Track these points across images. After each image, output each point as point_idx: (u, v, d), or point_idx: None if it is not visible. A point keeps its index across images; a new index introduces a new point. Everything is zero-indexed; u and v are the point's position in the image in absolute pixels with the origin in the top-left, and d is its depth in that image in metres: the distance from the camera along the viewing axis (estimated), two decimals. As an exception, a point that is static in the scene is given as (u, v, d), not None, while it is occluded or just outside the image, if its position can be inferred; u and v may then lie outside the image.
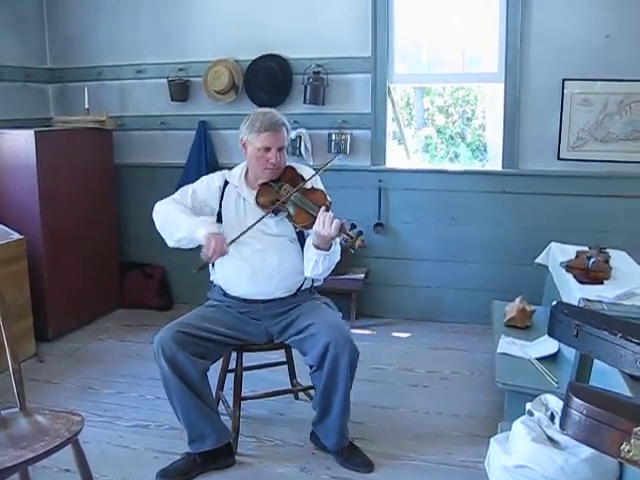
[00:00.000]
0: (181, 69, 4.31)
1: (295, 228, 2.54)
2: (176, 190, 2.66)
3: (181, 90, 4.31)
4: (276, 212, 2.53)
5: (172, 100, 4.33)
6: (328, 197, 2.51)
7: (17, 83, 4.29)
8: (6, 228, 3.55)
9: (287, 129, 2.56)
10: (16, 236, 3.52)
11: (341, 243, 2.37)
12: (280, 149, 2.53)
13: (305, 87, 4.09)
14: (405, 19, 4.11)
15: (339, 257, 2.51)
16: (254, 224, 2.47)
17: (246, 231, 2.46)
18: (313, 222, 2.35)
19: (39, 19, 4.49)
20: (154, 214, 2.58)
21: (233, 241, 2.45)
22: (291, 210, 2.50)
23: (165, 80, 4.30)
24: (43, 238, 3.74)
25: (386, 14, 3.99)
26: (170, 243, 2.53)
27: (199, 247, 2.42)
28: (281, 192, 2.52)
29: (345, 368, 2.37)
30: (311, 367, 2.47)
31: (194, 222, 2.44)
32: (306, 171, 2.66)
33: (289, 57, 4.15)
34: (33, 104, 4.45)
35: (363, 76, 4.09)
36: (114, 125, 4.34)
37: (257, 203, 2.54)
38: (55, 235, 3.83)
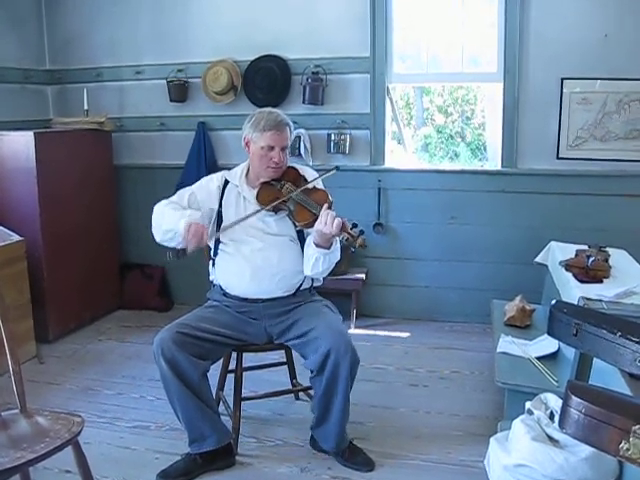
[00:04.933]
0: (180, 70, 4.31)
1: (296, 227, 2.54)
2: (175, 191, 2.67)
3: (180, 91, 4.31)
4: (277, 210, 2.53)
5: (171, 101, 4.33)
6: (330, 196, 2.51)
7: (16, 85, 4.29)
8: (6, 230, 3.55)
9: (290, 129, 2.57)
10: (16, 237, 3.52)
11: (342, 242, 2.36)
12: (283, 148, 2.54)
13: (304, 87, 4.09)
14: (404, 19, 4.11)
15: (339, 256, 2.51)
16: (248, 216, 2.49)
17: (239, 221, 2.48)
18: (314, 220, 2.36)
19: (38, 20, 4.49)
20: (152, 215, 2.59)
21: (224, 229, 2.49)
22: (292, 208, 2.50)
23: (164, 81, 4.30)
24: (43, 239, 3.74)
25: (385, 14, 3.99)
26: (158, 237, 2.53)
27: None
28: (283, 190, 2.53)
29: (345, 375, 2.37)
30: (311, 371, 2.47)
31: (179, 214, 2.46)
32: (308, 172, 2.67)
33: (288, 57, 4.15)
34: (32, 105, 4.45)
35: (362, 76, 4.08)
36: (113, 126, 4.35)
37: (258, 201, 2.53)
38: (55, 236, 3.82)
